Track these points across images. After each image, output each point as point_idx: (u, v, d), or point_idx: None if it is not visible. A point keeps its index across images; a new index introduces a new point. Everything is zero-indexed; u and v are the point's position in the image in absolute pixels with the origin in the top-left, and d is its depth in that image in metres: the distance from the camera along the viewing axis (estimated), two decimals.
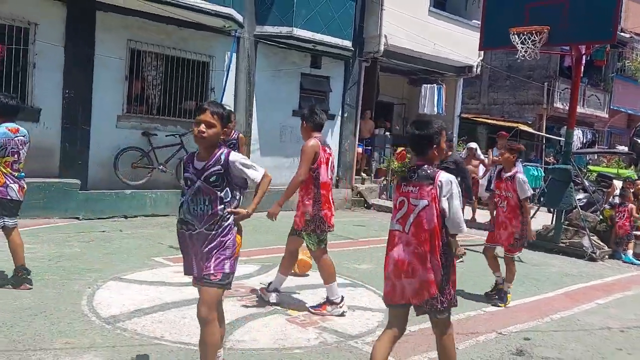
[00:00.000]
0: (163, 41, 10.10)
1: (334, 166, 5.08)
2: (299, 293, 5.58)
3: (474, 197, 11.33)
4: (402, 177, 3.31)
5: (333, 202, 5.04)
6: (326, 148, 5.03)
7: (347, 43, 12.24)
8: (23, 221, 8.11)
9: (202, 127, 3.09)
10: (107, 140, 9.52)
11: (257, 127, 11.68)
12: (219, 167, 3.12)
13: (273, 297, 5.11)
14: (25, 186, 5.15)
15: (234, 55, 11.16)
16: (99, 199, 9.16)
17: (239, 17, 10.38)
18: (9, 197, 4.96)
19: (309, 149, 4.87)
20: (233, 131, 7.44)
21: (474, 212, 11.38)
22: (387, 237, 3.40)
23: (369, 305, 5.34)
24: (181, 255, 3.35)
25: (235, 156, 3.18)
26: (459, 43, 14.46)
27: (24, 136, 5.09)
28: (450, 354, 3.30)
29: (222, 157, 3.14)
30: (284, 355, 4.00)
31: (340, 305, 4.94)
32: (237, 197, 3.23)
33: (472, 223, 11.35)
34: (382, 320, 4.89)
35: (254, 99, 11.57)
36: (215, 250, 3.14)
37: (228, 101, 11.04)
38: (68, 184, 8.87)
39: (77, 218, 8.80)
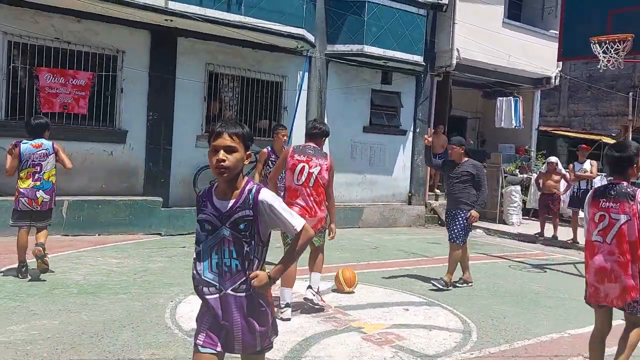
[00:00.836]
0: (239, 63, 10.50)
1: (309, 172, 5.17)
2: (373, 310, 5.56)
3: (554, 214, 10.87)
4: (600, 194, 3.68)
5: (301, 209, 5.08)
6: (309, 156, 5.22)
7: (418, 58, 12.19)
8: (112, 236, 8.67)
9: (222, 154, 2.39)
10: (187, 160, 9.97)
11: (328, 144, 11.75)
12: (249, 211, 2.41)
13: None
14: (44, 196, 5.89)
15: (306, 74, 11.41)
16: (180, 215, 9.58)
17: (311, 37, 10.61)
18: (18, 208, 5.88)
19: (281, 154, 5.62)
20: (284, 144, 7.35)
21: (555, 228, 10.91)
22: (588, 248, 3.75)
23: (446, 325, 5.24)
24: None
25: (267, 195, 2.43)
26: (535, 54, 14.02)
27: (46, 149, 5.89)
28: (633, 342, 3.68)
29: (251, 196, 2.42)
30: None
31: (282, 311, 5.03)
32: (260, 256, 2.50)
33: (553, 241, 10.88)
34: (460, 341, 4.78)
35: (325, 116, 11.73)
36: (254, 319, 2.47)
37: (300, 119, 11.28)
38: (152, 202, 9.35)
39: (160, 234, 9.25)
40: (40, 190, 5.85)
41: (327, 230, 5.45)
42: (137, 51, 9.44)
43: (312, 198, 5.17)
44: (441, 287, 6.40)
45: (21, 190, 5.82)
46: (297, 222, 2.50)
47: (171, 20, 9.09)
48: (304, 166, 5.17)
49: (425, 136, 6.82)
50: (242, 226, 2.40)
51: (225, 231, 2.41)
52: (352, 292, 6.14)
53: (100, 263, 6.83)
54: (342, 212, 11.11)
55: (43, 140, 5.92)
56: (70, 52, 8.80)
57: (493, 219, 12.77)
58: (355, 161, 12.26)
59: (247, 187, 2.45)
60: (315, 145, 5.31)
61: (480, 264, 8.48)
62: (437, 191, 13.88)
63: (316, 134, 5.36)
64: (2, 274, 6.07)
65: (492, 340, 4.87)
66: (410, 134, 13.14)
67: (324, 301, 5.52)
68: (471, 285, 6.79)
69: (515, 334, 5.09)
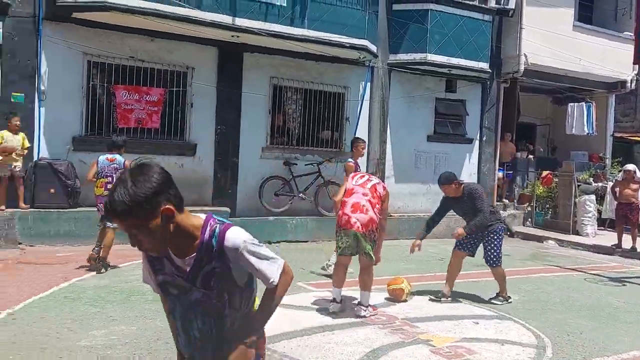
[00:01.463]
0: (302, 76, 10.68)
1: (370, 180, 5.65)
2: (441, 323, 5.47)
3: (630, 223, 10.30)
4: None
5: (356, 204, 5.37)
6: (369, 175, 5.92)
7: (484, 65, 11.95)
8: None
9: (132, 240, 1.80)
10: (253, 171, 10.22)
11: (391, 154, 11.77)
12: (215, 262, 1.89)
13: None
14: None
15: (368, 84, 11.44)
16: (246, 225, 9.60)
17: (373, 48, 10.64)
18: (100, 211, 6.82)
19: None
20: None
21: (634, 240, 10.34)
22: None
23: (519, 340, 5.07)
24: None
25: (234, 235, 1.89)
26: (608, 57, 13.42)
27: (117, 164, 6.87)
28: None
29: (214, 242, 1.88)
30: None
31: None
32: (244, 302, 2.02)
33: (632, 252, 10.32)
34: (534, 357, 4.62)
35: (388, 126, 11.70)
36: None
37: (362, 129, 11.31)
38: (220, 212, 9.62)
39: None
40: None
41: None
42: (206, 67, 9.79)
43: (366, 197, 5.40)
44: (502, 302, 6.21)
45: (97, 196, 6.89)
46: (274, 270, 1.97)
47: (238, 36, 9.38)
48: (364, 174, 5.85)
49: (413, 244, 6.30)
50: (212, 283, 1.90)
51: (196, 293, 1.93)
52: (406, 301, 6.14)
53: None
54: (407, 223, 11.00)
55: (117, 156, 6.93)
56: (144, 69, 9.25)
57: (566, 229, 12.24)
58: (420, 171, 12.13)
59: (207, 234, 1.88)
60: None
61: (552, 277, 8.16)
62: (506, 201, 13.50)
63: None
64: (82, 281, 6.43)
65: (568, 357, 4.68)
66: (477, 142, 12.86)
67: (375, 309, 5.65)
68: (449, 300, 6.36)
69: (593, 350, 4.86)
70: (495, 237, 6.18)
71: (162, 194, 1.76)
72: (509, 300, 6.28)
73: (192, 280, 1.92)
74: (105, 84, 9.09)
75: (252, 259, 1.93)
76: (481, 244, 6.28)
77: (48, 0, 8.39)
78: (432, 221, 6.42)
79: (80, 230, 8.18)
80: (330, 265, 7.59)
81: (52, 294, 5.86)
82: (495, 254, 6.19)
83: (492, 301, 6.26)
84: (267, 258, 1.97)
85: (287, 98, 10.80)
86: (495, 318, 5.75)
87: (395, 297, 6.16)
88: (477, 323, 5.52)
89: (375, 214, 5.40)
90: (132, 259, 7.60)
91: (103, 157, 6.95)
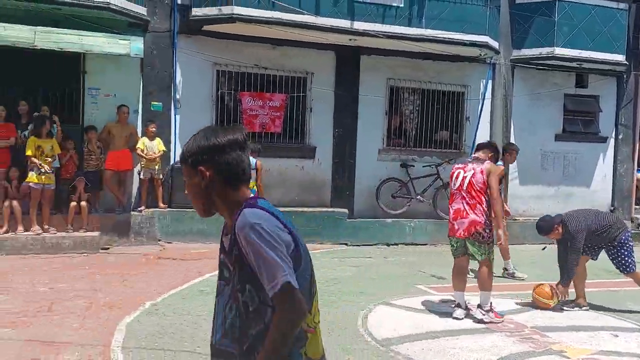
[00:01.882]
0: (419, 76, 10.56)
1: (463, 177, 5.36)
2: (576, 333, 5.15)
3: None
4: None
5: (457, 210, 5.32)
6: (467, 164, 5.48)
7: (620, 57, 11.02)
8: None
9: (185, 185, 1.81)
10: (370, 173, 10.28)
11: None
12: (236, 245, 1.67)
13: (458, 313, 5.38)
14: None
15: (490, 82, 11.03)
16: (363, 227, 9.90)
17: (495, 44, 10.25)
18: None
19: None
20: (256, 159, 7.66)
21: None
22: None
23: None
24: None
25: (247, 215, 1.64)
26: None
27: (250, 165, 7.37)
28: None
29: (236, 223, 1.67)
30: None
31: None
32: (267, 311, 1.65)
33: None
34: None
35: (511, 125, 11.19)
36: None
37: (483, 129, 10.94)
38: (338, 213, 9.81)
39: (346, 244, 9.64)
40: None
41: (492, 242, 5.32)
42: (324, 72, 10.03)
43: (465, 201, 5.25)
44: None
45: None
46: (277, 275, 1.57)
47: (355, 40, 9.50)
48: (459, 172, 5.41)
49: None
50: (233, 268, 1.70)
51: (222, 280, 1.79)
52: (551, 306, 5.78)
53: None
54: (532, 228, 10.35)
55: (251, 158, 7.19)
56: (267, 76, 9.70)
57: None
58: (547, 172, 11.46)
59: (238, 211, 1.69)
60: (478, 156, 5.46)
61: None
62: None
63: (480, 146, 5.77)
64: (214, 276, 6.87)
65: None
66: (612, 141, 11.89)
67: (499, 316, 5.34)
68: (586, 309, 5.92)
69: None
70: (620, 247, 5.69)
71: (206, 156, 1.70)
72: None
73: (224, 262, 1.76)
74: (233, 92, 9.65)
75: (252, 249, 1.60)
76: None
77: (182, 16, 9.09)
78: (562, 264, 5.93)
79: (212, 228, 8.71)
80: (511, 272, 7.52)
81: (189, 287, 6.35)
82: (624, 261, 5.69)
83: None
84: (272, 259, 1.57)
85: (404, 99, 10.74)
86: (637, 331, 5.30)
87: (540, 305, 5.85)
88: (617, 335, 5.12)
89: (479, 213, 5.18)
90: None
91: None
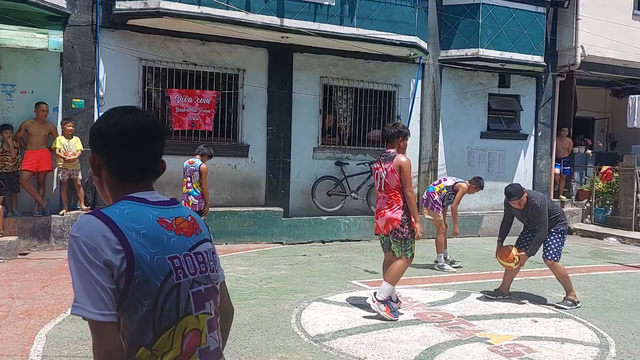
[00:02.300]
0: (352, 75, 10.67)
1: (380, 178, 5.46)
2: (499, 321, 5.36)
3: None
4: None
5: (378, 210, 5.48)
6: (380, 163, 5.48)
7: (539, 58, 11.59)
8: (237, 245, 9.15)
9: None
10: (305, 171, 10.29)
11: (443, 151, 11.60)
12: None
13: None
14: (193, 200, 7.66)
15: (419, 81, 11.31)
16: (299, 225, 9.89)
17: (424, 44, 10.51)
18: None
19: None
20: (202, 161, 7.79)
21: None
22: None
23: (580, 338, 4.91)
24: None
25: (73, 226, 1.39)
26: None
27: (194, 167, 7.66)
28: None
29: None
30: None
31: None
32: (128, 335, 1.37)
33: None
34: (597, 356, 4.46)
35: (440, 123, 11.53)
36: None
37: (414, 128, 11.18)
38: (273, 212, 9.75)
39: (281, 243, 9.60)
40: (191, 196, 7.69)
41: (412, 240, 5.32)
42: (257, 69, 9.94)
43: (385, 201, 5.39)
44: (570, 307, 5.91)
45: (182, 193, 7.76)
46: (75, 300, 1.33)
47: (287, 37, 9.47)
48: (377, 173, 5.52)
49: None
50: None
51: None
52: (514, 267, 6.04)
53: (229, 270, 7.23)
54: (460, 222, 10.71)
55: (196, 160, 7.72)
56: (196, 73, 9.48)
57: (628, 226, 11.73)
58: (473, 168, 11.87)
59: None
60: (389, 151, 5.46)
61: (615, 275, 7.84)
62: (563, 197, 13.05)
63: (387, 137, 5.54)
64: None
65: (633, 356, 4.50)
66: (532, 138, 12.50)
67: (391, 314, 5.21)
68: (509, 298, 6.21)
69: None
70: (557, 235, 5.99)
71: (95, 141, 1.50)
72: (578, 305, 5.89)
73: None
74: (160, 88, 9.37)
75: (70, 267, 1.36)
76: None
77: (105, 9, 8.73)
78: (504, 230, 6.29)
79: None
80: (441, 264, 7.66)
81: None
82: (554, 248, 5.96)
83: (560, 305, 5.89)
84: (74, 279, 1.34)
85: (337, 97, 10.82)
86: (554, 317, 5.58)
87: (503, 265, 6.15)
88: (536, 321, 5.38)
89: (396, 210, 5.26)
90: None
91: (186, 161, 7.83)
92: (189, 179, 7.70)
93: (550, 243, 5.99)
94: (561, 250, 6.04)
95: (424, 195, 8.36)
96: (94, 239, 1.33)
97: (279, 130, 10.08)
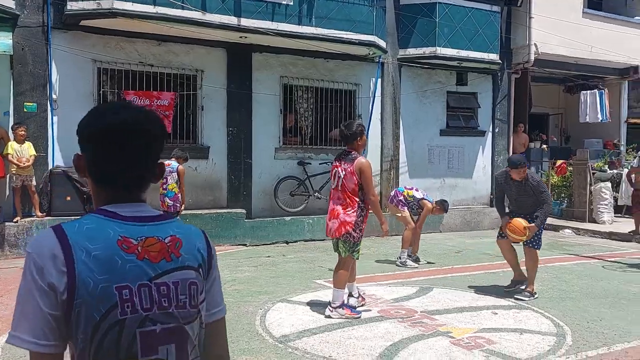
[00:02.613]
0: (312, 74, 10.69)
1: (338, 177, 5.30)
2: (461, 314, 5.46)
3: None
4: None
5: (331, 211, 5.33)
6: (340, 161, 5.35)
7: (494, 56, 11.87)
8: None
9: None
10: (267, 172, 10.24)
11: (404, 149, 11.73)
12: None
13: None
14: (168, 201, 7.95)
15: (379, 80, 11.41)
16: (262, 226, 9.85)
17: (382, 43, 10.61)
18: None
19: None
20: (171, 163, 8.00)
21: (637, 225, 10.27)
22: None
23: (538, 328, 5.05)
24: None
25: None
26: (620, 43, 13.27)
27: (171, 168, 7.90)
28: None
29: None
30: None
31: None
32: None
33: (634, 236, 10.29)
34: (554, 345, 4.60)
35: (401, 122, 11.66)
36: None
37: (375, 126, 11.28)
38: (235, 214, 9.67)
39: (245, 244, 9.53)
40: (166, 197, 7.93)
41: (359, 242, 5.28)
42: (215, 69, 9.83)
43: (339, 202, 5.26)
44: (528, 298, 6.06)
45: (159, 195, 7.99)
46: (12, 325, 1.22)
47: (245, 37, 9.41)
48: (335, 171, 5.37)
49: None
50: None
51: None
52: (522, 241, 6.08)
53: None
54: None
55: (172, 162, 7.95)
56: (153, 74, 9.31)
57: (582, 218, 12.13)
58: (434, 165, 12.08)
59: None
60: (349, 150, 5.35)
61: (571, 265, 8.09)
62: None
63: (345, 138, 5.44)
64: None
65: (589, 344, 4.65)
66: (489, 135, 12.78)
67: (353, 313, 5.28)
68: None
69: (615, 337, 4.82)
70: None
71: (79, 140, 1.34)
72: (535, 296, 6.06)
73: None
74: (116, 90, 9.17)
75: None
76: None
77: (56, 10, 8.48)
78: (502, 205, 6.39)
79: None
80: (404, 261, 7.80)
81: None
82: (538, 237, 6.13)
83: (519, 297, 6.02)
84: (17, 299, 1.23)
85: (298, 97, 10.81)
86: (513, 308, 5.72)
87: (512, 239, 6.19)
88: (496, 313, 5.50)
89: (350, 213, 5.16)
90: None
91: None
92: (165, 180, 7.83)
93: (536, 233, 6.11)
94: (541, 240, 6.20)
95: (392, 193, 8.45)
96: (42, 257, 1.18)
97: (239, 130, 10.00)
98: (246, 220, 9.73)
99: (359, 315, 5.28)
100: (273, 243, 9.75)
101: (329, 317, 5.23)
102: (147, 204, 1.36)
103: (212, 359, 1.36)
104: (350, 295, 5.58)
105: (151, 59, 9.29)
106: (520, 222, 6.01)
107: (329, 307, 5.29)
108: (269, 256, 8.60)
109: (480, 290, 6.45)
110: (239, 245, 9.48)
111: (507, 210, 6.38)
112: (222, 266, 7.61)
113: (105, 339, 1.17)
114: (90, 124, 1.30)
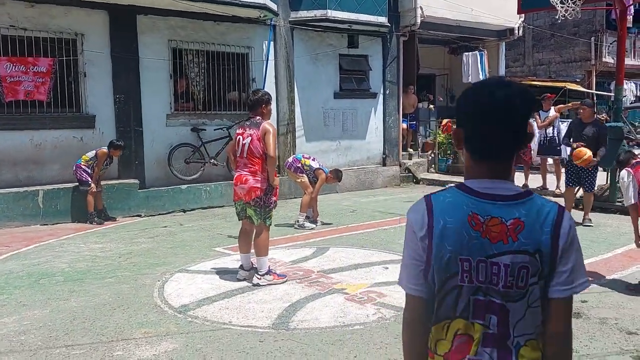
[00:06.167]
0: (202, 38, 10.38)
1: (243, 144, 5.34)
2: (355, 271, 5.76)
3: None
4: None
5: (238, 176, 5.38)
6: (245, 128, 5.38)
7: (383, 19, 12.18)
8: None
9: None
10: (159, 139, 9.92)
11: (300, 113, 11.85)
12: None
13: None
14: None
15: (272, 43, 11.33)
16: (157, 196, 9.60)
17: (273, 6, 10.51)
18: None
19: None
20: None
21: (526, 178, 11.25)
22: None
23: None
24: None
25: None
26: (498, 6, 14.10)
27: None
28: None
29: None
30: (345, 331, 4.19)
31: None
32: None
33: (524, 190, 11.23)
34: None
35: (295, 85, 11.72)
36: None
37: (270, 90, 11.20)
38: (128, 184, 9.34)
39: (140, 215, 9.28)
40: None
41: (271, 207, 5.39)
42: (97, 33, 9.24)
43: (246, 168, 5.31)
44: None
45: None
46: None
47: None
48: (239, 138, 5.38)
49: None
50: None
51: None
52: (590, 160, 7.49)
53: (83, 249, 6.88)
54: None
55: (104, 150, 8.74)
56: (27, 39, 8.59)
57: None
58: (329, 128, 12.33)
59: None
60: (253, 117, 5.39)
61: None
62: (411, 150, 14.09)
63: (250, 105, 5.47)
64: None
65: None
66: (381, 97, 13.21)
67: (279, 277, 5.42)
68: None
69: None
70: (594, 170, 7.79)
71: (457, 113, 1.59)
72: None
73: None
74: None
75: None
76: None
77: None
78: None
79: None
80: (301, 223, 7.99)
81: None
82: (590, 181, 7.81)
83: None
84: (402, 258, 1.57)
85: (188, 61, 10.47)
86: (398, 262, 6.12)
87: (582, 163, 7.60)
88: (387, 268, 5.87)
89: (258, 179, 5.24)
90: (38, 241, 7.27)
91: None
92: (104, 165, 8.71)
93: (588, 176, 7.78)
94: (595, 183, 7.98)
95: (290, 159, 8.56)
96: (415, 219, 1.49)
97: (127, 98, 9.56)
98: (140, 190, 9.44)
99: (285, 278, 5.42)
100: (169, 212, 9.58)
101: (257, 285, 5.27)
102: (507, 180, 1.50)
103: (549, 334, 1.46)
104: (241, 267, 5.58)
105: (24, 22, 8.54)
106: (586, 152, 7.50)
107: (256, 275, 5.34)
108: (165, 226, 8.46)
109: (374, 246, 6.82)
110: (133, 216, 9.21)
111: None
112: (117, 239, 7.43)
113: (446, 297, 1.46)
114: (467, 103, 1.50)
